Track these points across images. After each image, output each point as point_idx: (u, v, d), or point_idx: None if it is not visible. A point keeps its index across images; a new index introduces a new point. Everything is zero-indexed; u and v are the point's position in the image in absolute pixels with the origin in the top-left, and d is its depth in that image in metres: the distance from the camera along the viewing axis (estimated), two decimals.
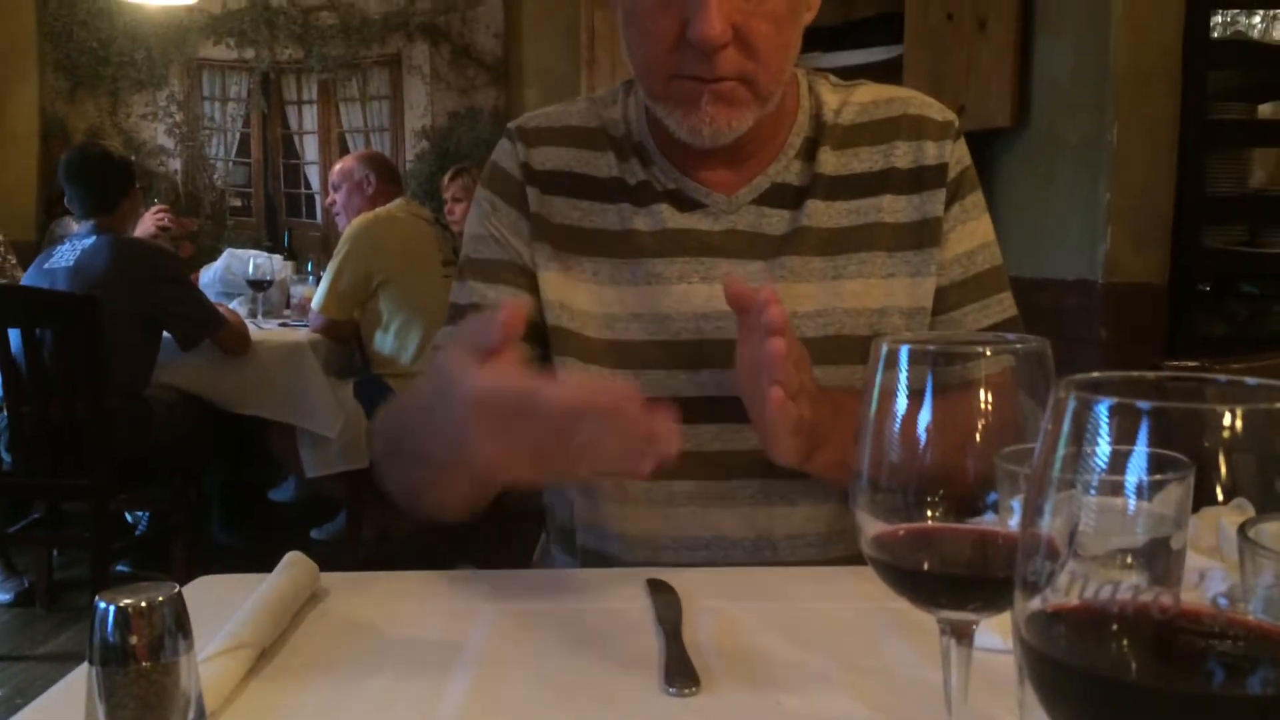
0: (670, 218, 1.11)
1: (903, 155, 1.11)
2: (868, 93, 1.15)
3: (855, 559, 1.00)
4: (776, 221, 1.11)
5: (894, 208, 1.10)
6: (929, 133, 1.11)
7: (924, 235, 1.10)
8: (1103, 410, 0.37)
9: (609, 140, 1.14)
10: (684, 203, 1.11)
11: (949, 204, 1.11)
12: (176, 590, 0.55)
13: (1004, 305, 1.14)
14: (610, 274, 1.10)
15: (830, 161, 1.11)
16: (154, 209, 4.19)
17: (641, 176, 1.12)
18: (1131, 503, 0.40)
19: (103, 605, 0.54)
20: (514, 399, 0.70)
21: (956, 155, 1.12)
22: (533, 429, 0.70)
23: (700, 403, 1.07)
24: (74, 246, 3.25)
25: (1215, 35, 2.68)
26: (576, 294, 1.11)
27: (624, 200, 1.12)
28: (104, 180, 3.36)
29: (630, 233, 1.11)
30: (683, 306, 1.09)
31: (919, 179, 1.11)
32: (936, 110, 1.14)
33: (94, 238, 3.25)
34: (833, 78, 1.18)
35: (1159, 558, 0.41)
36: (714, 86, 1.00)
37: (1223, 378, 0.37)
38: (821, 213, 1.10)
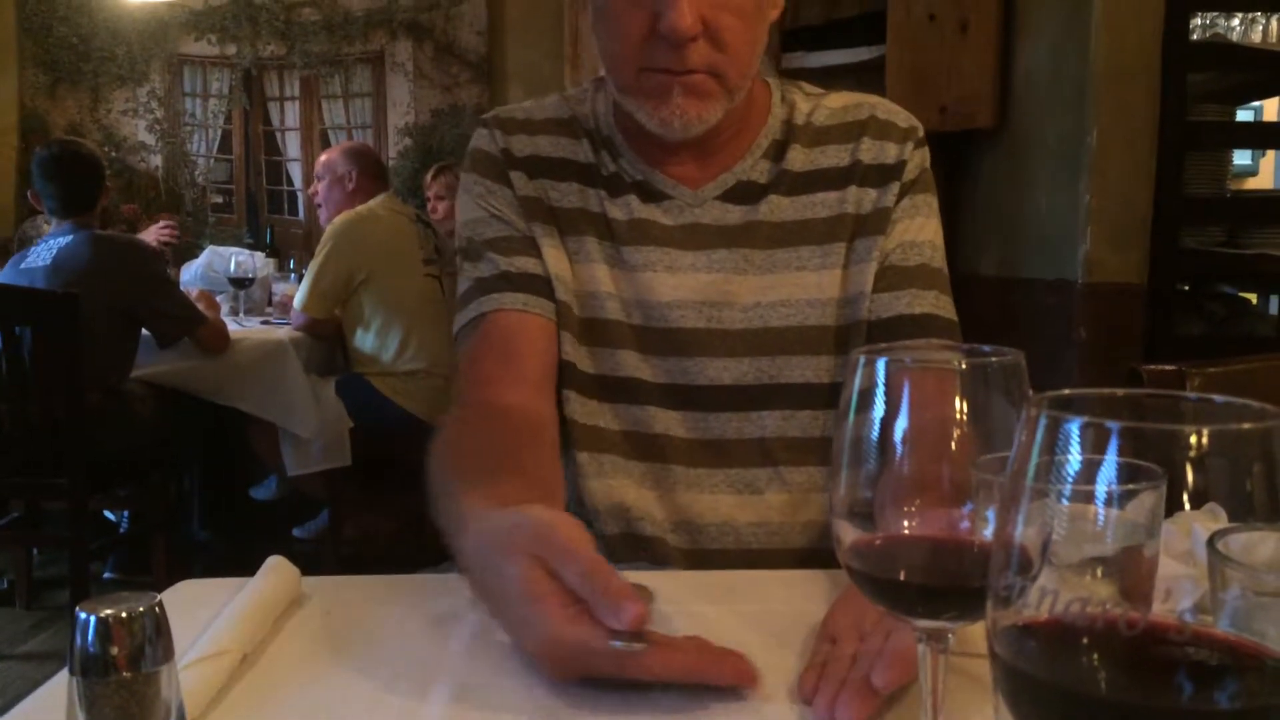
0: (638, 208, 1.15)
1: (867, 150, 1.15)
2: (839, 99, 1.20)
3: (815, 548, 1.01)
4: (738, 215, 1.14)
5: (859, 199, 1.14)
6: (893, 135, 1.16)
7: (878, 224, 1.13)
8: (1073, 429, 0.37)
9: (583, 131, 1.19)
10: (650, 194, 1.15)
11: (900, 197, 1.14)
12: (157, 600, 0.55)
13: (933, 302, 1.13)
14: (589, 253, 1.14)
15: (799, 159, 1.15)
16: (160, 223, 4.18)
17: (612, 169, 1.16)
18: (1104, 511, 0.40)
19: (83, 615, 0.54)
20: (605, 665, 0.69)
21: (917, 158, 1.16)
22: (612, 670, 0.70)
23: (668, 389, 1.13)
24: (50, 245, 3.21)
25: (1194, 37, 2.69)
26: (566, 270, 1.14)
27: (600, 187, 1.16)
28: (83, 178, 3.33)
29: (605, 217, 1.15)
30: (649, 294, 1.13)
31: (881, 174, 1.14)
32: (902, 117, 1.18)
33: (72, 235, 3.22)
34: (806, 86, 1.22)
35: (1132, 566, 0.42)
36: (684, 79, 1.03)
37: (1192, 395, 0.38)
38: (784, 207, 1.14)
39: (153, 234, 4.05)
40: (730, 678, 0.70)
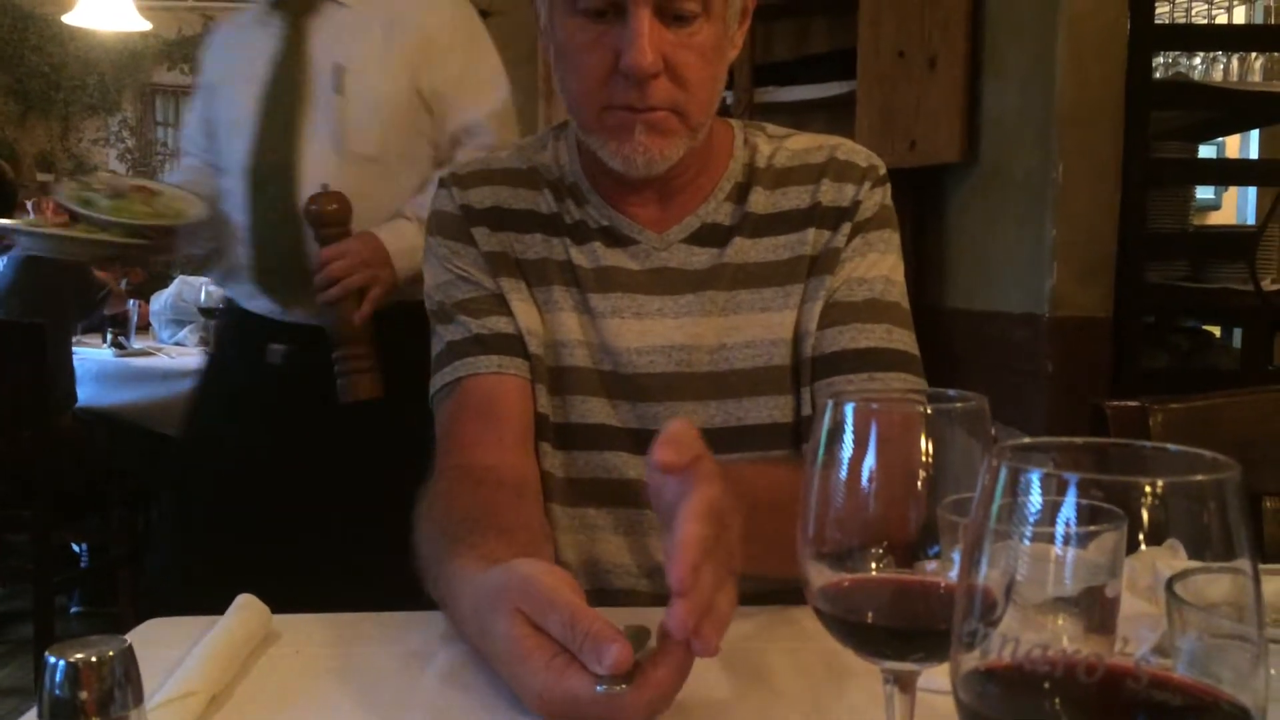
0: (603, 254, 1.15)
1: (827, 192, 1.15)
2: (801, 140, 1.20)
3: (782, 590, 1.01)
4: (704, 259, 1.15)
5: (816, 241, 1.15)
6: (851, 176, 1.16)
7: (828, 264, 1.14)
8: (1033, 480, 0.38)
9: (544, 181, 1.18)
10: (616, 239, 1.16)
11: (852, 236, 1.14)
12: (126, 644, 0.55)
13: (883, 336, 1.12)
14: (557, 301, 1.14)
15: (761, 201, 1.16)
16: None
17: (577, 216, 1.17)
18: (1066, 552, 0.41)
19: (52, 660, 0.54)
20: (595, 712, 0.68)
21: (875, 196, 1.16)
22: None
23: (637, 435, 1.13)
24: None
25: (1157, 76, 2.73)
26: (536, 322, 1.14)
27: (565, 235, 1.16)
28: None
29: (571, 264, 1.15)
30: (616, 341, 1.13)
31: (837, 215, 1.15)
32: (862, 157, 1.18)
33: (4, 257, 3.20)
34: (770, 127, 1.22)
35: (1095, 606, 0.43)
36: (645, 116, 1.04)
37: (1148, 444, 0.39)
38: (747, 249, 1.15)
39: None
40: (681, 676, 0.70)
